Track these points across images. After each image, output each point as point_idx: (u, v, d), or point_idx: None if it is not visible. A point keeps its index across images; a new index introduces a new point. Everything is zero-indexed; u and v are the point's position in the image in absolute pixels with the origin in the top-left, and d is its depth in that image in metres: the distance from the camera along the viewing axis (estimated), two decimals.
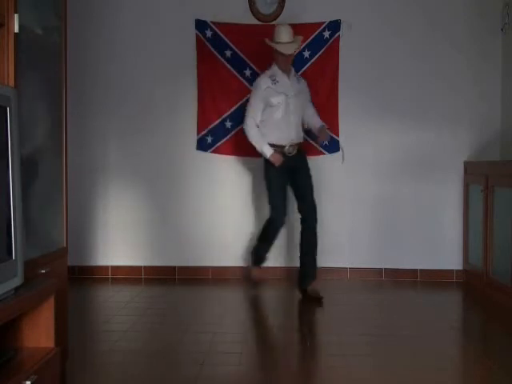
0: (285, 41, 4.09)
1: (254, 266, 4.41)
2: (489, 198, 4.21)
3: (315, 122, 4.32)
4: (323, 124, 4.29)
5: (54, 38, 2.50)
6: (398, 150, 4.79)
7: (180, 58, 4.80)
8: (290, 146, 4.15)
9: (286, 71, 4.18)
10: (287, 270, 4.79)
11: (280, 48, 4.08)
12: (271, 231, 4.27)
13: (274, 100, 4.12)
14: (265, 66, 4.72)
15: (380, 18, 4.76)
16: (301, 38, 4.26)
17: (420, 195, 4.79)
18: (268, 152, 4.13)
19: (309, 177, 4.25)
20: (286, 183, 4.23)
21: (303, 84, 4.32)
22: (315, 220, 4.20)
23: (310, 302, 4.03)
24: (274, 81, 4.15)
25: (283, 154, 4.14)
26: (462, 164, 4.77)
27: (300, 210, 4.24)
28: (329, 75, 4.73)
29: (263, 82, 4.18)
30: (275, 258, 4.81)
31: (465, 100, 4.76)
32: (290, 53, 4.10)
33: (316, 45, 4.71)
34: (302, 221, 4.23)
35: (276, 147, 4.14)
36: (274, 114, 4.14)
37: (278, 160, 4.11)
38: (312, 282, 4.16)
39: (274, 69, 4.19)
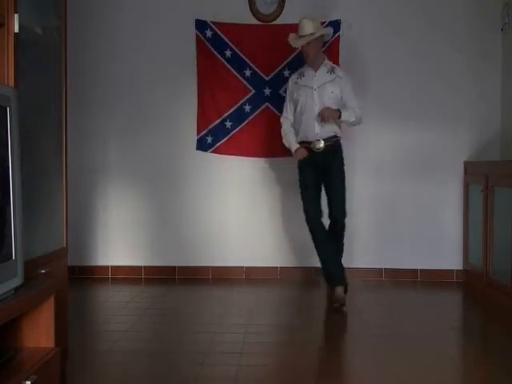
0: (300, 34, 3.99)
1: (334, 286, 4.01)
2: (489, 197, 4.21)
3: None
4: (339, 109, 3.96)
5: (54, 38, 2.50)
6: (398, 149, 4.79)
7: (180, 58, 4.80)
8: (317, 140, 3.95)
9: (312, 65, 4.05)
10: (285, 270, 4.80)
11: (290, 40, 4.05)
12: (311, 233, 4.08)
13: (296, 94, 4.05)
14: (265, 66, 4.75)
15: (380, 18, 4.77)
16: (317, 33, 3.97)
17: (420, 195, 4.78)
18: (293, 147, 4.04)
19: (337, 181, 4.01)
20: (317, 181, 4.04)
21: (337, 74, 4.03)
22: (337, 230, 4.05)
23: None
24: (301, 75, 4.09)
25: (311, 151, 3.98)
26: (462, 164, 4.77)
27: (329, 215, 4.10)
28: None
29: (291, 78, 4.17)
30: (274, 258, 4.83)
31: (465, 100, 4.76)
32: (294, 46, 4.03)
33: None
34: (329, 225, 4.11)
35: (305, 143, 4.01)
36: (297, 108, 4.05)
37: (300, 154, 3.98)
38: (334, 287, 3.98)
39: (305, 65, 4.15)
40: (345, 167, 4.10)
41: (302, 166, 4.06)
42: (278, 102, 4.73)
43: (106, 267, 4.86)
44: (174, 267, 4.84)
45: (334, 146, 4.04)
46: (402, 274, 4.79)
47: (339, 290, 3.94)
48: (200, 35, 4.73)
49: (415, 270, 4.79)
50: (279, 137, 4.72)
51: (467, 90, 4.76)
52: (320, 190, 4.08)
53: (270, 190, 4.84)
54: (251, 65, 4.74)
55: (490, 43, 4.73)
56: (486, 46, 4.74)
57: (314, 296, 4.30)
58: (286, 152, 4.76)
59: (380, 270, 4.81)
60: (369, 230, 4.81)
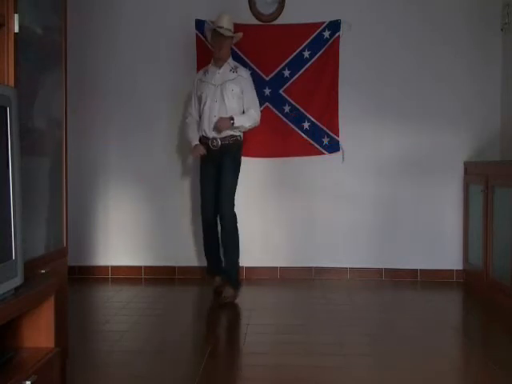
0: (218, 24, 4.03)
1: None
2: (489, 197, 4.21)
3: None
4: (232, 116, 4.00)
5: (55, 38, 2.50)
6: (398, 149, 4.79)
7: (180, 57, 4.80)
8: (214, 138, 4.03)
9: (219, 59, 4.09)
10: (285, 270, 4.80)
11: (209, 28, 4.18)
12: (202, 230, 4.26)
13: (199, 91, 4.13)
14: (265, 66, 4.75)
15: (380, 18, 4.76)
16: (238, 35, 4.12)
17: (420, 195, 4.78)
18: (192, 143, 4.14)
19: (226, 176, 4.03)
20: (215, 178, 4.09)
21: (239, 74, 4.08)
22: (225, 227, 4.05)
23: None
24: (206, 72, 4.17)
25: (208, 147, 4.05)
26: (462, 164, 4.77)
27: (218, 211, 4.11)
28: (329, 75, 4.73)
29: (197, 75, 4.28)
30: (274, 258, 4.82)
31: (465, 100, 4.76)
32: (217, 26, 4.04)
33: (316, 45, 4.71)
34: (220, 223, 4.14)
35: (205, 139, 4.08)
36: (201, 105, 4.13)
37: (196, 152, 4.08)
38: (227, 286, 4.07)
39: (210, 63, 4.20)
40: (239, 165, 4.13)
41: (202, 163, 4.18)
42: (278, 101, 4.74)
43: (106, 267, 4.86)
44: (174, 267, 4.84)
45: (231, 144, 4.07)
46: (401, 274, 4.78)
47: (230, 289, 4.02)
48: (200, 35, 4.73)
49: (415, 270, 4.79)
50: (279, 137, 4.75)
51: (467, 90, 4.76)
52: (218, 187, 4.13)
53: (270, 189, 4.84)
54: (251, 65, 4.73)
55: (490, 43, 4.73)
56: (485, 46, 4.74)
57: (314, 296, 4.30)
58: (287, 152, 4.79)
59: (380, 269, 4.81)
60: (368, 230, 4.81)
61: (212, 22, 4.69)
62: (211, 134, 4.05)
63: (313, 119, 4.73)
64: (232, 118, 4.01)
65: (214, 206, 4.12)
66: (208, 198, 4.14)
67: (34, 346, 1.99)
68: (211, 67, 4.15)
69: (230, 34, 4.06)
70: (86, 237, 4.85)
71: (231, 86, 4.05)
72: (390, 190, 4.80)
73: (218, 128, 4.02)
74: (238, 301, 4.08)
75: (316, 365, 2.82)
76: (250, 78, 4.19)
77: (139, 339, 3.27)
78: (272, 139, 4.71)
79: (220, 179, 4.05)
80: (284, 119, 4.75)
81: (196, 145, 4.10)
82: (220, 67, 4.10)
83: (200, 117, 4.15)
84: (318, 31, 4.71)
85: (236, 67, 4.13)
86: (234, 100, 4.05)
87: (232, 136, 4.06)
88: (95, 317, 3.81)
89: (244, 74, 4.14)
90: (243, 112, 4.11)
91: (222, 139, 4.03)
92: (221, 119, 4.01)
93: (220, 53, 4.07)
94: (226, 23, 4.03)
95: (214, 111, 4.04)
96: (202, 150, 4.05)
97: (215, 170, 4.09)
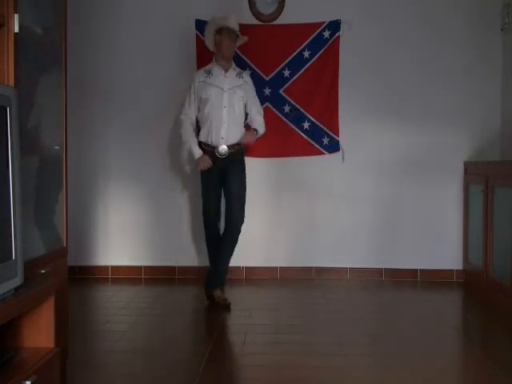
0: (228, 24, 3.90)
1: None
2: (489, 197, 4.21)
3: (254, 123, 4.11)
4: (256, 128, 4.07)
5: (54, 38, 2.50)
6: (397, 149, 4.79)
7: (180, 58, 4.80)
8: (221, 146, 3.90)
9: (227, 60, 4.00)
10: (285, 270, 4.80)
11: (213, 23, 4.01)
12: (206, 237, 4.16)
13: (205, 93, 3.95)
14: (265, 66, 4.75)
15: (380, 18, 4.76)
16: (244, 38, 4.07)
17: (420, 195, 4.78)
18: (196, 153, 3.97)
19: (237, 185, 3.97)
20: (219, 186, 4.00)
21: (244, 80, 4.06)
22: (232, 236, 3.98)
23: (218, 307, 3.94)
24: (209, 73, 4.00)
25: (212, 155, 3.92)
26: (462, 164, 4.76)
27: (225, 216, 4.04)
28: (329, 75, 4.73)
29: (197, 75, 4.05)
30: (274, 258, 4.82)
31: (465, 100, 4.76)
32: (228, 25, 3.91)
33: (316, 45, 4.71)
34: (224, 229, 4.06)
35: (207, 147, 3.95)
36: (205, 109, 3.96)
37: (203, 164, 3.92)
38: (218, 288, 4.02)
39: (213, 63, 4.07)
40: (245, 173, 4.08)
41: (204, 171, 4.00)
42: (278, 101, 4.74)
43: (106, 267, 4.86)
44: (174, 267, 4.84)
45: (237, 151, 4.00)
46: (402, 274, 4.78)
47: (219, 291, 3.98)
48: (200, 35, 4.72)
49: (415, 270, 4.79)
50: (279, 137, 4.74)
51: (467, 90, 4.76)
52: (220, 195, 4.06)
53: (270, 189, 4.84)
54: (251, 65, 4.73)
55: (490, 43, 4.73)
56: (486, 46, 4.74)
57: (314, 296, 4.30)
58: (287, 152, 4.79)
59: (380, 269, 4.81)
60: (369, 230, 4.81)
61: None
62: (218, 141, 3.93)
63: (313, 119, 4.74)
64: (255, 130, 4.04)
65: (218, 215, 4.09)
66: (213, 210, 4.05)
67: (34, 346, 1.99)
68: (215, 68, 4.02)
69: (240, 34, 4.00)
70: (86, 237, 4.85)
71: (240, 93, 4.00)
72: (390, 189, 4.80)
73: (247, 145, 4.04)
74: (238, 300, 4.08)
75: (316, 365, 2.82)
76: (252, 82, 4.18)
77: (139, 339, 3.28)
78: (272, 139, 4.70)
79: (230, 188, 3.97)
80: (284, 119, 4.75)
81: (202, 156, 3.95)
82: (226, 71, 4.02)
83: (197, 119, 4.07)
84: (317, 31, 4.71)
85: (241, 72, 4.11)
86: (241, 106, 4.03)
87: (237, 144, 4.00)
88: (95, 317, 3.81)
89: (248, 79, 4.13)
90: (243, 115, 4.10)
91: (230, 147, 3.94)
92: (248, 136, 4.00)
93: (228, 52, 3.98)
94: (233, 23, 3.95)
95: (223, 117, 3.93)
96: (210, 162, 3.92)
97: (220, 179, 4.00)
